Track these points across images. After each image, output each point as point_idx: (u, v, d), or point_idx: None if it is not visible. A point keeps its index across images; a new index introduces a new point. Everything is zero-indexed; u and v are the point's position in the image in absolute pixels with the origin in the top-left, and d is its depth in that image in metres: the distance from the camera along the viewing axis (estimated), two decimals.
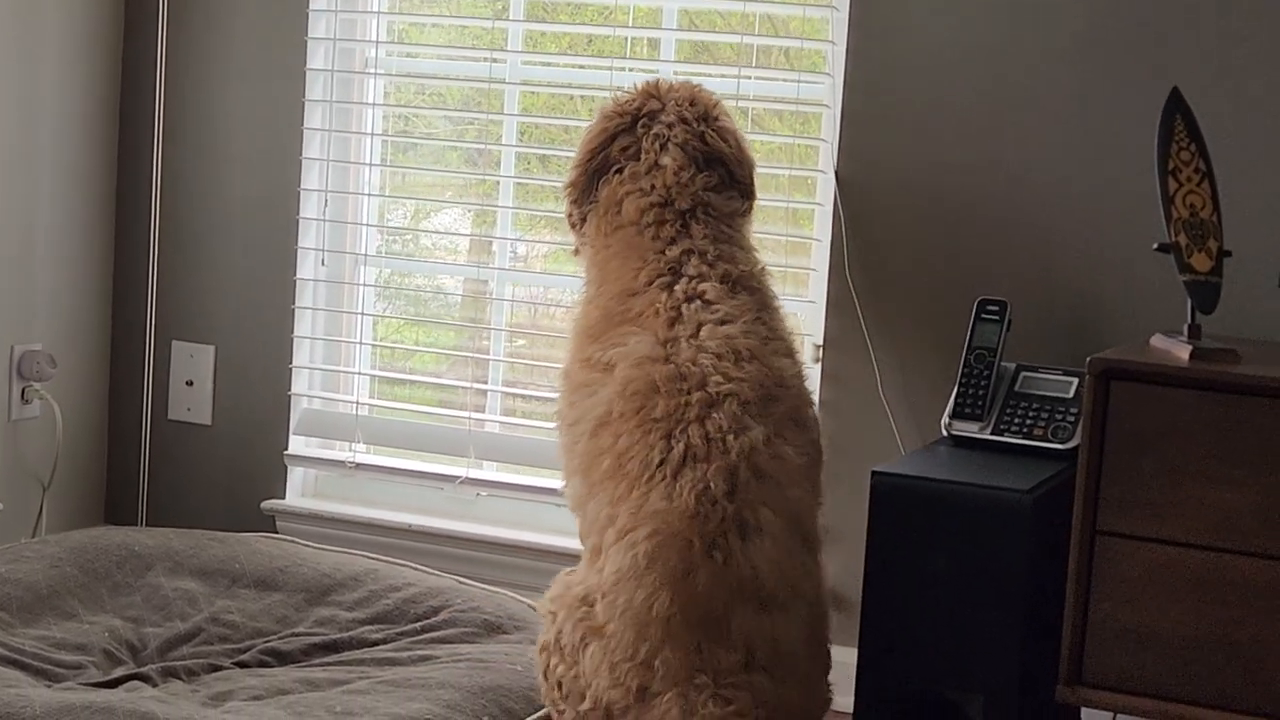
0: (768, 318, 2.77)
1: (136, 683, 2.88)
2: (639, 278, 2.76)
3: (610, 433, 2.63)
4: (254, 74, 3.79)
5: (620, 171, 2.89)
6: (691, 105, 2.92)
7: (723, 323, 2.69)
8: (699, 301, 2.71)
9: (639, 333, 2.69)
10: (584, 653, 2.56)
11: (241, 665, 3.01)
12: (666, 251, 2.78)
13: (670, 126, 2.89)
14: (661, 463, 2.56)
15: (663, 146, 2.87)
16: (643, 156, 2.88)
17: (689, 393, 2.60)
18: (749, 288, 2.78)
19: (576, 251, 3.00)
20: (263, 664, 3.02)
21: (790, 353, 2.77)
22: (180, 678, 2.93)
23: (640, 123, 2.91)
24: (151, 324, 3.88)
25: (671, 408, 2.59)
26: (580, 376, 2.74)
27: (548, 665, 2.65)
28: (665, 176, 2.84)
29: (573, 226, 2.99)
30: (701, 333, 2.67)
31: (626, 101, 2.96)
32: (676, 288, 2.72)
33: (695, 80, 3.05)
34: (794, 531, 2.59)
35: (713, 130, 2.90)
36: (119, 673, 2.92)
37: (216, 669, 2.98)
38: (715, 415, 2.58)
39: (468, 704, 2.77)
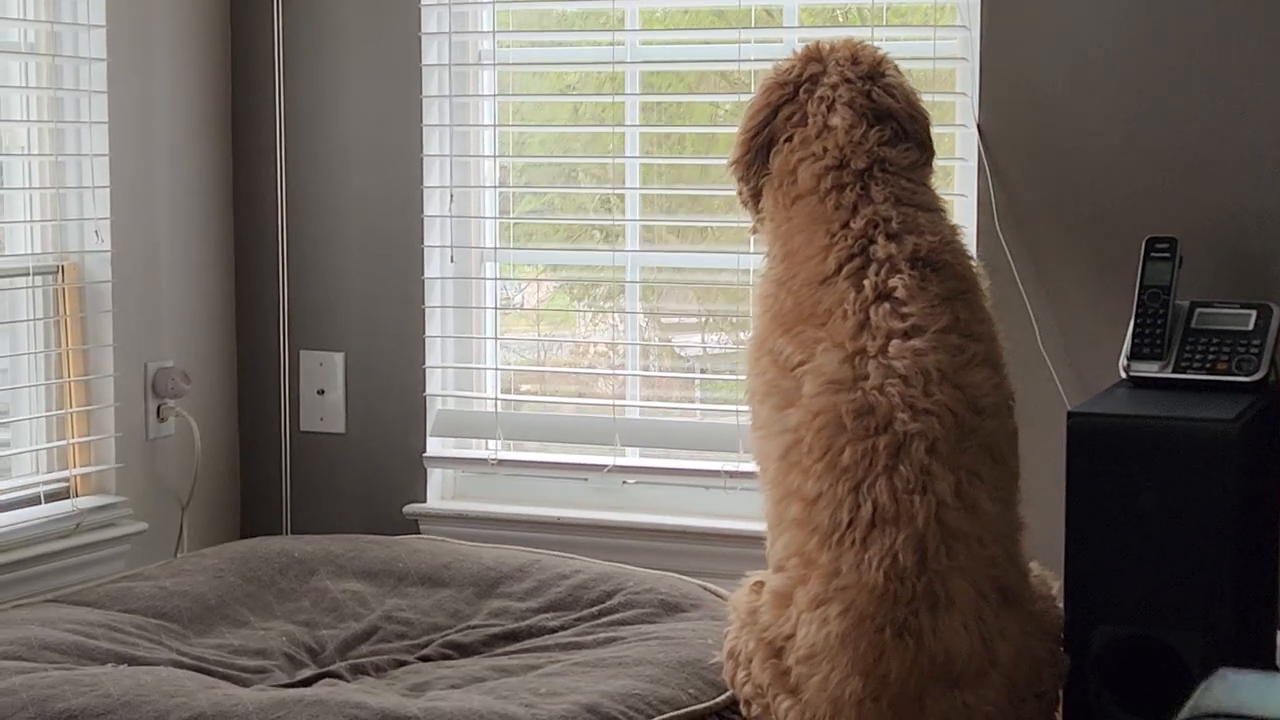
0: (963, 309, 2.67)
1: (330, 680, 2.83)
2: (828, 259, 2.67)
3: (799, 472, 2.57)
4: (369, 74, 3.75)
5: (790, 140, 2.82)
6: (854, 64, 2.84)
7: (911, 334, 2.59)
8: (888, 304, 2.62)
9: (827, 344, 2.61)
10: (776, 703, 2.55)
11: (424, 659, 2.95)
12: (851, 223, 2.69)
13: (834, 87, 2.81)
14: (850, 523, 2.50)
15: (830, 107, 2.79)
16: (809, 121, 2.80)
17: (876, 433, 2.53)
18: (941, 265, 2.69)
19: (754, 230, 2.93)
20: (445, 657, 2.96)
21: (987, 358, 2.65)
22: (369, 674, 2.88)
23: (803, 89, 2.84)
24: (283, 334, 3.83)
25: (859, 454, 2.52)
26: (770, 372, 2.67)
27: (734, 675, 2.65)
28: (837, 137, 2.77)
29: (744, 205, 2.93)
30: (890, 349, 2.58)
31: (786, 70, 2.88)
32: (865, 283, 2.63)
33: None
34: (989, 593, 2.54)
35: (879, 88, 2.82)
36: (305, 674, 2.87)
37: (402, 664, 2.93)
38: (902, 467, 2.51)
39: (670, 678, 2.72)
